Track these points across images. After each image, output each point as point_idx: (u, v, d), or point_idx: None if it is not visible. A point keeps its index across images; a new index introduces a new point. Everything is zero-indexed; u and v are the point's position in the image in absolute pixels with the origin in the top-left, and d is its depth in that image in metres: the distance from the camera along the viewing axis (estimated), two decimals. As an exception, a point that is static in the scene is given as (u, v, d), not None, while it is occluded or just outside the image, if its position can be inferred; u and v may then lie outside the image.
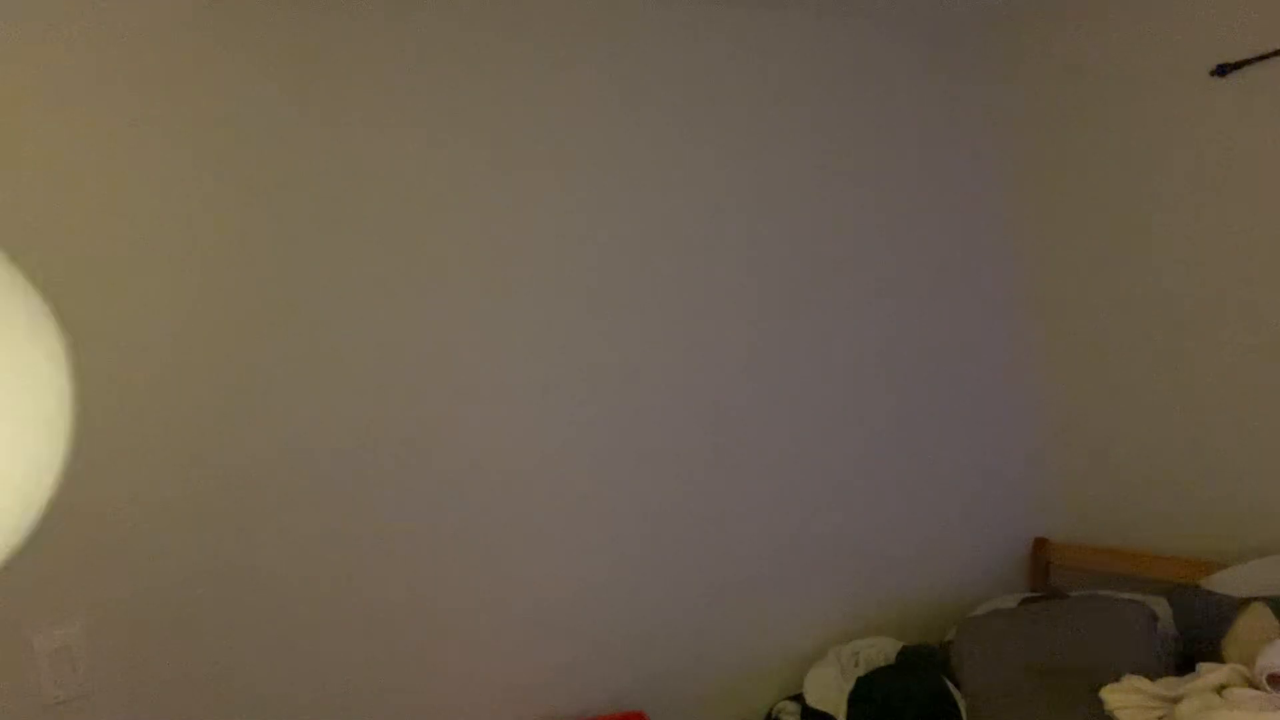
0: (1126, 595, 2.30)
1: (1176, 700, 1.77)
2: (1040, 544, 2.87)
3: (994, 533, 2.86)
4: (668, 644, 2.42)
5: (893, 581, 2.71)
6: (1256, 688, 1.72)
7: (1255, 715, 1.62)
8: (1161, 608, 2.20)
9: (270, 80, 1.98)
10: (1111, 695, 1.85)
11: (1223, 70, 2.35)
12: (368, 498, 2.08)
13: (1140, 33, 2.57)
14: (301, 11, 2.03)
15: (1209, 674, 1.78)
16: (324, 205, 2.02)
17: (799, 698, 2.39)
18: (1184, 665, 2.03)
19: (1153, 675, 1.90)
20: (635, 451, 2.42)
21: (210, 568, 1.85)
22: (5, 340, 0.60)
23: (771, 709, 2.42)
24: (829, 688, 2.31)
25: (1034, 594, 2.62)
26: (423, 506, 2.17)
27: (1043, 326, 2.92)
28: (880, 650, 2.43)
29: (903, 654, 2.39)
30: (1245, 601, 1.99)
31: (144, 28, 1.86)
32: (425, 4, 2.20)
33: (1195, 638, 2.06)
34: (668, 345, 2.47)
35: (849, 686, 2.26)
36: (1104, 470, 2.77)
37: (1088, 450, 2.82)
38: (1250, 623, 1.92)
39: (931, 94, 2.87)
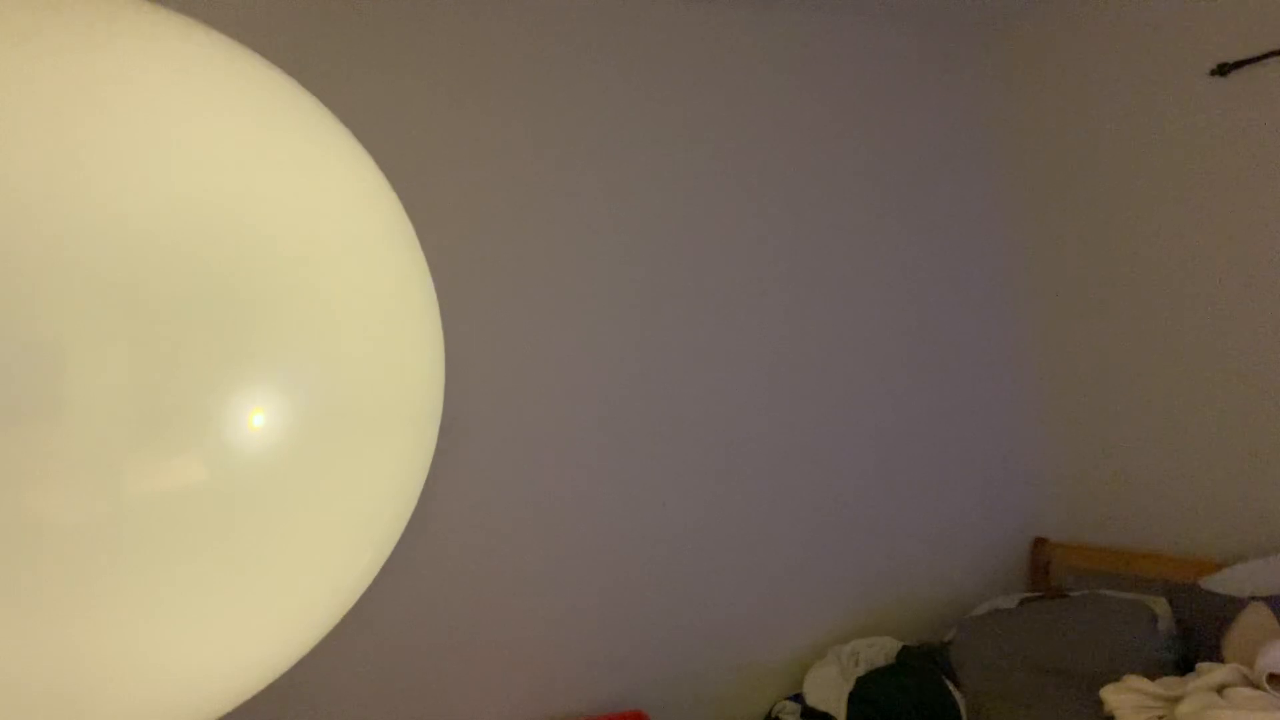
0: (1126, 595, 2.30)
1: (1176, 700, 1.77)
2: (1040, 544, 2.87)
3: (994, 533, 2.86)
4: (668, 645, 2.42)
5: (893, 581, 2.71)
6: (1256, 688, 1.72)
7: (1255, 715, 1.62)
8: (1161, 608, 2.20)
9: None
10: (1111, 695, 1.85)
11: (1223, 70, 2.35)
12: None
13: (1140, 33, 2.57)
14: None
15: (1209, 674, 1.78)
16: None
17: (799, 698, 2.39)
18: (1184, 665, 2.03)
19: (1153, 675, 1.90)
20: (638, 459, 2.42)
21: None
22: (394, 338, 0.58)
23: (771, 709, 2.42)
24: (829, 688, 2.31)
25: (1034, 594, 2.61)
26: (437, 519, 2.17)
27: (1043, 327, 2.92)
28: (880, 650, 2.43)
29: (903, 654, 2.39)
30: (1245, 601, 1.99)
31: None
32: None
33: (1195, 638, 2.06)
34: (670, 357, 2.47)
35: (849, 686, 2.26)
36: (1104, 470, 2.77)
37: (1088, 450, 2.82)
38: (1250, 623, 1.91)
39: (931, 94, 2.87)
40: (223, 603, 0.49)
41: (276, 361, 0.48)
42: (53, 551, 0.40)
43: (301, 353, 0.49)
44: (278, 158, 0.51)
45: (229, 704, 0.55)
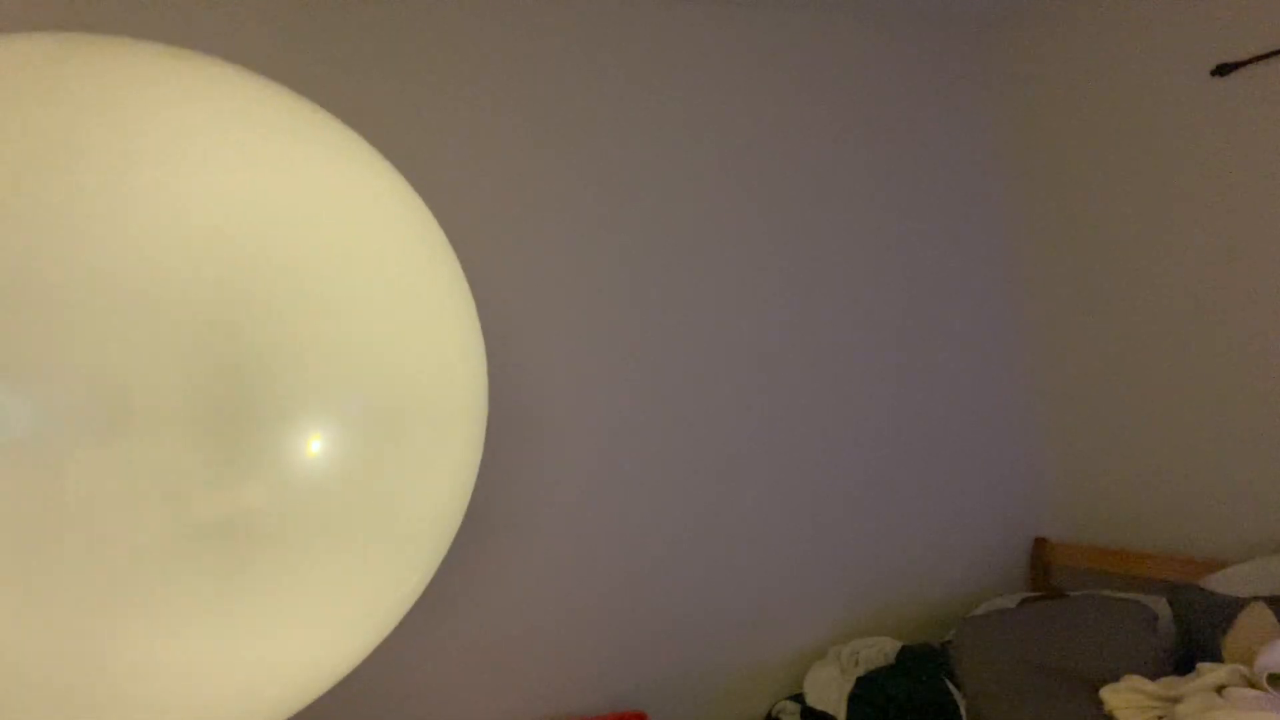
0: (1126, 595, 2.30)
1: (1176, 700, 1.77)
2: (1040, 544, 2.87)
3: (994, 533, 2.86)
4: (668, 645, 2.42)
5: (893, 581, 2.71)
6: (1256, 688, 1.72)
7: (1255, 715, 1.62)
8: (1161, 608, 2.20)
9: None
10: (1111, 695, 1.85)
11: (1223, 70, 2.35)
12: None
13: (1140, 33, 2.57)
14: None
15: (1209, 674, 1.77)
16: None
17: (799, 698, 2.39)
18: (1184, 665, 2.03)
19: (1153, 675, 1.90)
20: (637, 458, 2.42)
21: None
22: (431, 336, 0.60)
23: (771, 709, 2.42)
24: (829, 688, 2.31)
25: (1034, 594, 2.62)
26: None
27: (1042, 327, 2.92)
28: (880, 650, 2.43)
29: (903, 654, 2.39)
30: (1245, 601, 1.99)
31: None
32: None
33: (1195, 638, 2.06)
34: (670, 357, 2.47)
35: (849, 686, 2.26)
36: (1104, 470, 2.77)
37: (1088, 450, 2.82)
38: (1250, 623, 1.91)
39: (931, 94, 2.87)
40: (281, 622, 0.51)
41: (329, 393, 0.51)
42: (119, 570, 0.42)
43: (351, 384, 0.51)
44: (336, 212, 0.54)
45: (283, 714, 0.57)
